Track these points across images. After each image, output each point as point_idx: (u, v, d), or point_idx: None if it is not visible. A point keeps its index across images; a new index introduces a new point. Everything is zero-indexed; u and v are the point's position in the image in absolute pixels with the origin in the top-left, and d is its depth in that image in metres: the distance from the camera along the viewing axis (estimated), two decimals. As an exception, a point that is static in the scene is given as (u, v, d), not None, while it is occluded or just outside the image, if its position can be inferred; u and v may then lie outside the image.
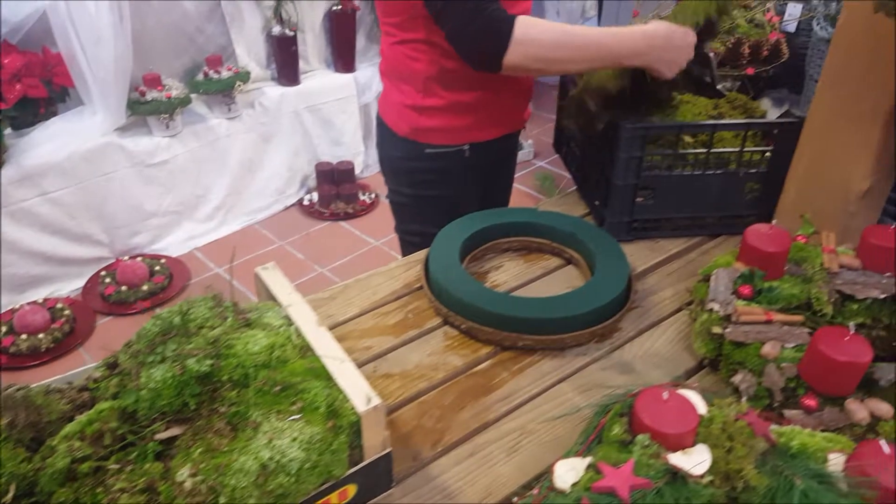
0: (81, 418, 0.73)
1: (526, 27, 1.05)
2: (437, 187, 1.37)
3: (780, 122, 1.13)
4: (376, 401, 0.70)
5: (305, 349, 0.79)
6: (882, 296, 0.91)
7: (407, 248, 1.46)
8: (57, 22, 2.44)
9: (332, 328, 1.02)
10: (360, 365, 0.95)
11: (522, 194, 3.23)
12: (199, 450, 0.70)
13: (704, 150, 1.12)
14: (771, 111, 1.84)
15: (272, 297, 0.89)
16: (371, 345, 0.98)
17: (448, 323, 1.01)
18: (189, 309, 0.82)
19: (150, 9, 2.62)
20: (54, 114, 2.62)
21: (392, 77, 1.31)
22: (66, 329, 2.37)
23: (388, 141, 1.36)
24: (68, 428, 0.71)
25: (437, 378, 0.92)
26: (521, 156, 3.53)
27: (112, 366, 0.81)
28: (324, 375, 0.75)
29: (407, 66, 1.25)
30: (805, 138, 1.10)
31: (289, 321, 0.83)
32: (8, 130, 2.48)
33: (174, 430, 0.73)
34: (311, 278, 2.67)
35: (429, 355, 0.96)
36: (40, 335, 2.29)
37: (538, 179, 3.26)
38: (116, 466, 0.69)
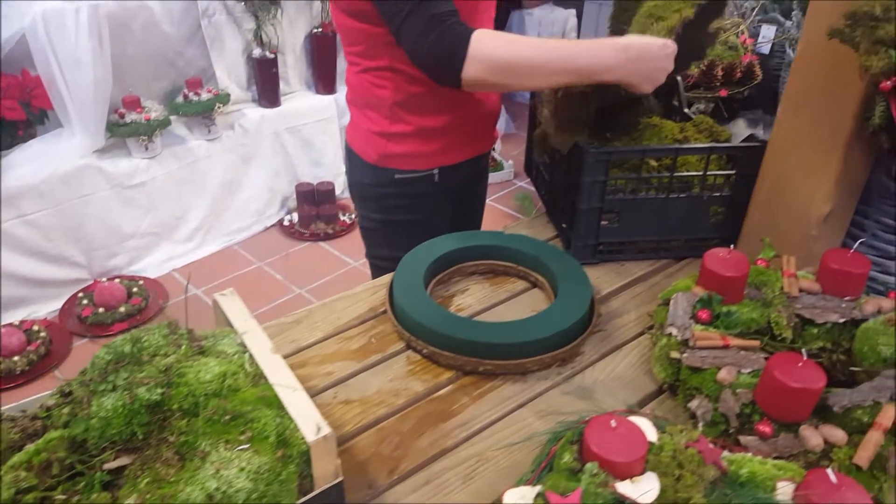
0: (30, 448, 0.72)
1: (482, 41, 1.02)
2: (407, 212, 1.37)
3: (743, 146, 1.14)
4: (326, 430, 0.70)
5: (259, 377, 0.78)
6: (841, 320, 0.92)
7: (377, 273, 1.46)
8: (36, 46, 2.44)
9: (295, 353, 1.02)
10: (320, 391, 0.94)
11: (502, 214, 3.24)
12: (147, 480, 0.69)
13: (668, 174, 1.13)
14: (745, 132, 1.86)
15: (229, 324, 0.88)
16: (333, 370, 0.98)
17: (410, 347, 1.01)
18: (142, 337, 0.81)
19: (131, 33, 2.63)
20: (33, 136, 2.62)
21: (359, 105, 1.31)
22: (42, 351, 2.35)
23: (357, 168, 1.36)
24: (16, 458, 0.70)
25: (397, 404, 0.92)
26: (501, 176, 3.55)
27: (66, 394, 0.80)
28: (275, 404, 0.75)
29: (373, 93, 1.26)
30: (767, 162, 1.11)
31: (244, 348, 0.82)
32: (-15, 152, 2.47)
33: (123, 460, 0.73)
34: (288, 299, 2.66)
35: (390, 380, 0.96)
36: (15, 358, 2.27)
37: (517, 199, 3.27)
38: (63, 497, 0.68)
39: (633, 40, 1.04)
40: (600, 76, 1.04)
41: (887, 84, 0.83)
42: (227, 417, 0.72)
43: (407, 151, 1.30)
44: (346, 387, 0.95)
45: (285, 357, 0.99)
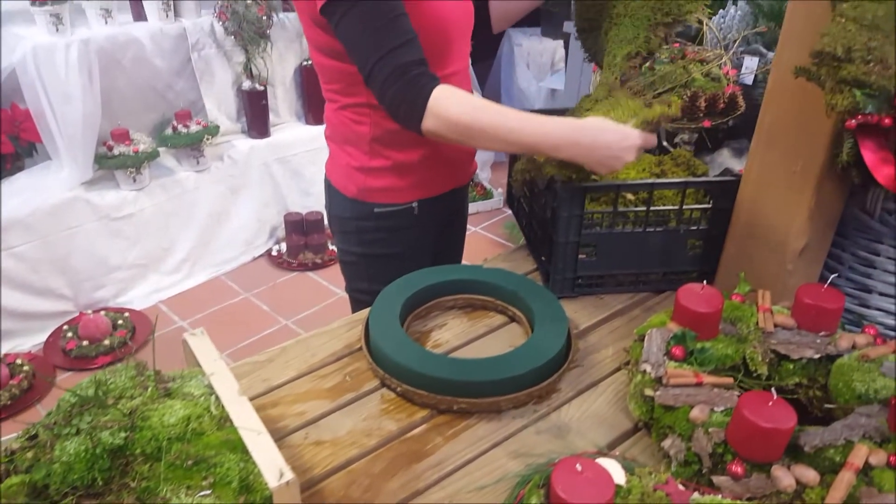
0: (-12, 494, 0.71)
1: (440, 100, 1.04)
2: (387, 246, 1.37)
3: (718, 180, 1.14)
4: (289, 475, 0.69)
5: (224, 420, 0.77)
6: (816, 356, 0.91)
7: (358, 307, 1.45)
8: (26, 81, 2.46)
9: (267, 392, 1.00)
10: (291, 431, 0.93)
11: (490, 242, 3.24)
12: (106, 528, 0.68)
13: (644, 209, 1.13)
14: (730, 162, 1.86)
15: (197, 365, 0.87)
16: (305, 410, 0.96)
17: (385, 385, 1.00)
18: (108, 379, 0.80)
19: (121, 67, 2.64)
20: (21, 169, 2.62)
21: (338, 141, 1.32)
22: (25, 385, 2.32)
23: (337, 202, 1.36)
24: (-27, 506, 0.69)
25: (369, 445, 0.90)
26: (490, 204, 3.56)
27: (31, 437, 0.79)
28: (240, 448, 0.74)
29: (352, 129, 1.26)
30: (741, 196, 1.11)
31: (211, 390, 0.81)
32: (-28, 185, 2.47)
33: (83, 507, 0.71)
34: (274, 331, 2.65)
35: (363, 420, 0.95)
36: (-2, 392, 2.24)
37: (506, 228, 3.27)
38: (21, 546, 0.67)
39: (589, 124, 1.05)
40: (549, 153, 1.07)
41: (852, 122, 0.83)
42: (190, 462, 0.71)
43: (386, 185, 1.30)
44: (318, 427, 0.94)
45: (257, 397, 0.99)
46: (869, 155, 0.86)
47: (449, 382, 0.94)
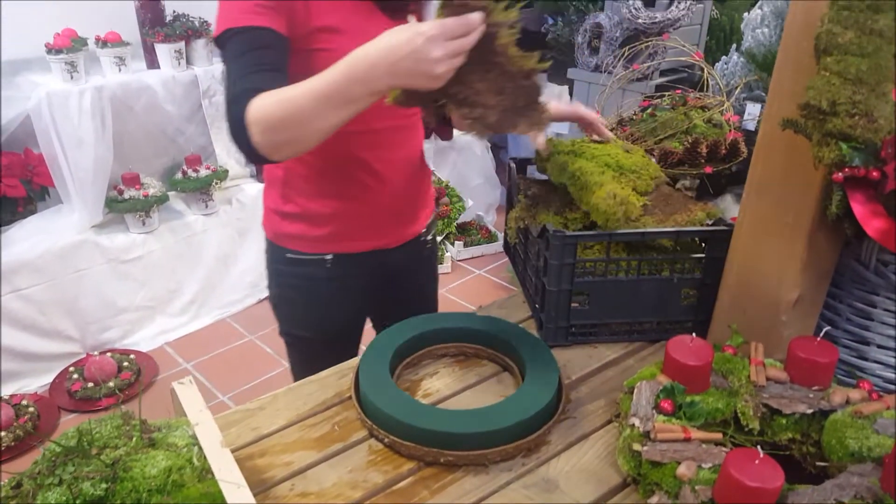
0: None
1: (253, 104, 0.97)
2: (303, 293, 1.37)
3: (711, 229, 1.14)
4: (264, 531, 0.68)
5: (206, 472, 0.77)
6: (809, 410, 0.90)
7: (289, 348, 1.47)
8: (40, 126, 2.52)
9: (255, 441, 1.00)
10: (277, 482, 0.92)
11: (494, 285, 3.24)
12: (80, 583, 0.67)
13: (637, 257, 1.13)
14: (733, 208, 1.86)
15: (183, 414, 0.87)
16: (292, 460, 0.96)
17: (373, 436, 0.99)
18: (93, 428, 0.81)
19: (133, 113, 2.71)
20: (32, 212, 2.67)
21: (265, 181, 1.36)
22: (29, 427, 2.33)
23: (265, 242, 1.39)
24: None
25: (354, 497, 0.89)
26: (495, 247, 3.57)
27: (16, 486, 0.79)
28: (220, 501, 0.73)
29: (271, 171, 1.30)
30: (734, 247, 1.10)
31: (195, 440, 0.81)
32: (-16, 228, 2.52)
33: (61, 561, 0.71)
34: (277, 374, 2.65)
35: (349, 472, 0.94)
36: (2, 433, 2.24)
37: (509, 271, 3.27)
38: None
39: (374, 41, 0.92)
40: (357, 90, 0.94)
41: (839, 176, 0.83)
42: (167, 516, 0.70)
43: (296, 233, 1.31)
44: (304, 478, 0.93)
45: (246, 446, 0.99)
46: (858, 207, 0.86)
47: (435, 434, 0.93)
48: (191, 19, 2.81)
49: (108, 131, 2.59)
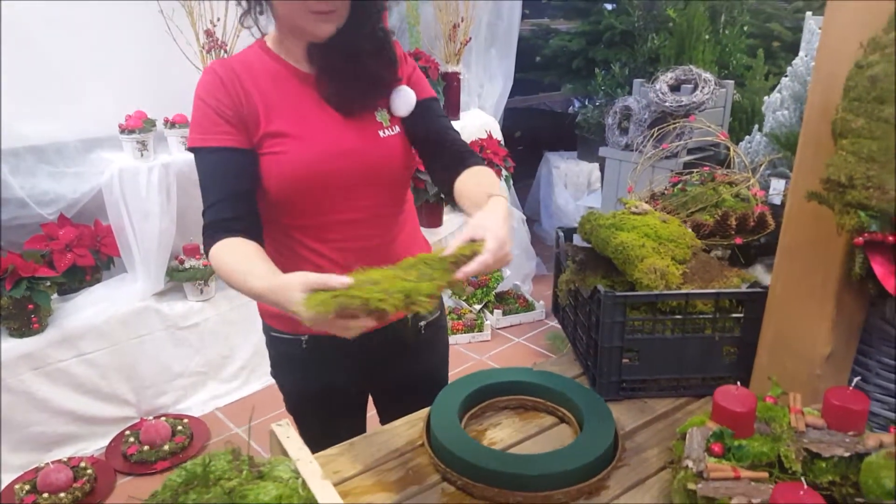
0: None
1: (214, 249, 1.15)
2: (286, 370, 1.44)
3: (747, 291, 1.25)
4: (370, 547, 0.78)
5: (310, 501, 0.88)
6: (846, 454, 0.99)
7: (296, 423, 1.49)
8: (111, 199, 2.72)
9: (338, 483, 1.10)
10: (362, 518, 1.02)
11: (533, 353, 3.33)
12: None
13: (680, 315, 1.24)
14: (763, 276, 1.96)
15: (284, 452, 0.98)
16: (373, 501, 1.06)
17: (446, 479, 1.09)
18: (210, 462, 0.92)
19: (195, 187, 2.88)
20: (98, 280, 2.84)
21: None
22: (87, 488, 2.42)
23: None
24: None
25: (432, 532, 0.99)
26: (533, 315, 3.67)
27: (138, 515, 0.90)
28: (325, 524, 0.84)
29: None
30: (770, 307, 1.21)
31: (297, 474, 0.92)
32: (54, 296, 2.68)
33: (189, 575, 0.81)
34: (327, 438, 2.72)
35: (426, 510, 1.03)
36: (62, 494, 2.34)
37: (548, 339, 3.37)
38: None
39: (278, 287, 1.02)
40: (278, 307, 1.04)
41: (860, 240, 0.95)
42: (284, 535, 0.81)
43: (274, 312, 1.36)
44: (386, 516, 1.03)
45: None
46: (878, 268, 0.97)
47: (505, 476, 1.03)
48: (249, 104, 3.03)
49: (172, 205, 2.78)
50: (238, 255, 1.14)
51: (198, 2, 2.82)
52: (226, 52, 2.92)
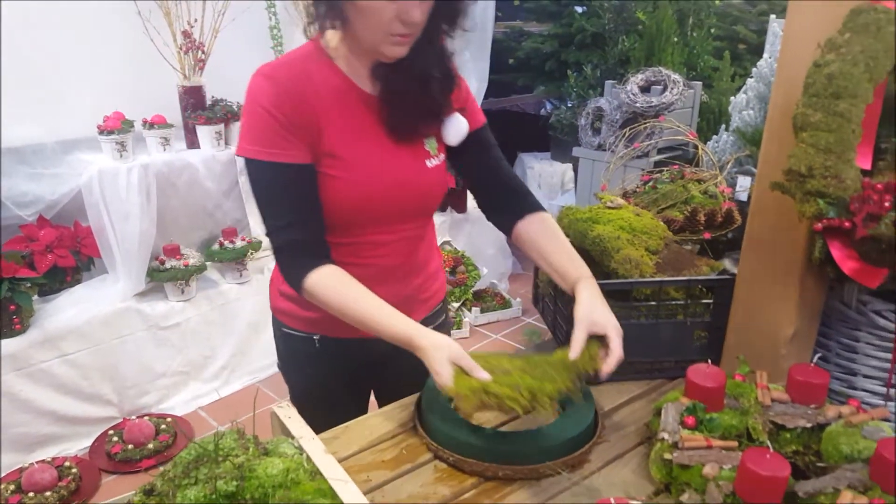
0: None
1: (313, 278, 1.16)
2: (296, 365, 1.46)
3: (717, 278, 1.34)
4: (375, 512, 0.84)
5: (315, 473, 0.93)
6: (808, 425, 1.07)
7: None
8: (90, 200, 2.73)
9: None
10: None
11: (511, 349, 3.40)
12: (225, 559, 0.82)
13: (654, 302, 1.32)
14: (732, 269, 2.05)
15: (286, 431, 1.04)
16: (370, 478, 1.11)
17: (438, 457, 1.15)
18: (219, 439, 0.97)
19: (175, 189, 2.93)
20: (79, 281, 2.85)
21: None
22: (73, 487, 2.43)
23: None
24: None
25: (427, 505, 1.05)
26: (510, 313, 3.75)
27: (148, 492, 0.95)
28: (330, 495, 0.89)
29: None
30: (737, 293, 1.30)
31: (300, 450, 0.98)
32: (35, 297, 2.69)
33: (203, 544, 0.86)
34: (311, 434, 2.76)
35: (420, 486, 1.09)
36: (47, 493, 2.35)
37: (526, 335, 3.45)
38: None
39: (424, 343, 1.09)
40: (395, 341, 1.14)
41: (819, 226, 1.03)
42: (292, 504, 0.86)
43: (289, 310, 1.38)
44: (382, 492, 1.09)
45: (329, 465, 1.14)
46: (836, 252, 1.06)
47: (494, 451, 1.09)
48: (229, 104, 3.06)
49: (152, 205, 2.80)
50: (354, 288, 1.17)
51: (175, 2, 2.85)
52: (203, 52, 2.95)
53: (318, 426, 1.26)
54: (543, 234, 1.30)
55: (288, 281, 1.22)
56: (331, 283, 1.17)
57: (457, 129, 1.28)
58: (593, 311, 1.14)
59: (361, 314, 1.16)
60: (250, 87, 1.16)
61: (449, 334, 1.59)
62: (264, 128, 1.14)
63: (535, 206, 1.35)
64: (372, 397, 1.61)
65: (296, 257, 1.19)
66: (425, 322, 1.47)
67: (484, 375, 1.04)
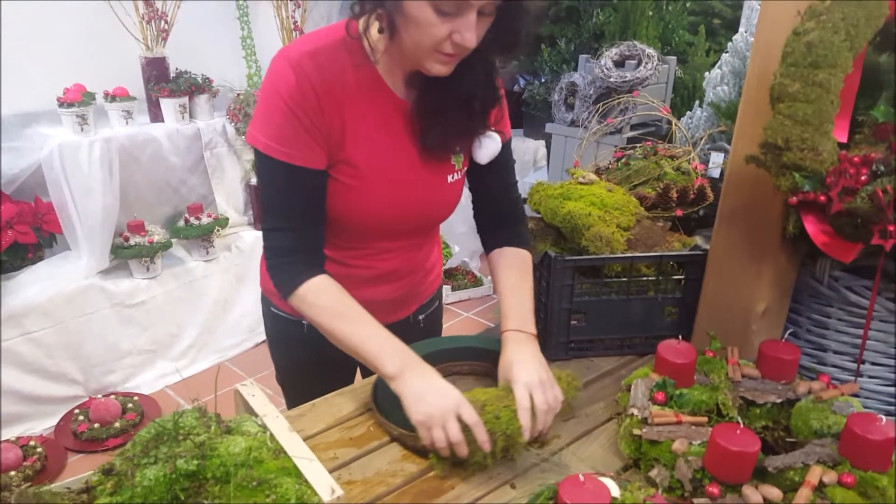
0: (78, 518, 0.83)
1: (304, 289, 1.12)
2: (284, 347, 1.44)
3: (688, 254, 1.33)
4: (339, 492, 0.82)
5: (278, 451, 0.91)
6: (778, 400, 1.07)
7: (284, 393, 1.54)
8: (51, 176, 2.65)
9: (303, 440, 1.13)
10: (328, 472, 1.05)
11: (483, 327, 3.40)
12: (183, 541, 0.80)
13: (625, 278, 1.30)
14: (703, 246, 2.05)
15: (249, 410, 1.01)
16: (337, 455, 1.09)
17: (400, 442, 1.12)
18: (178, 419, 0.94)
19: (139, 164, 2.85)
20: (41, 258, 2.77)
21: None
22: (38, 467, 2.38)
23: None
24: (66, 527, 0.81)
25: (394, 483, 1.03)
26: (481, 291, 3.74)
27: (107, 472, 0.92)
28: (294, 473, 0.87)
29: None
30: (709, 268, 1.29)
31: (264, 429, 0.95)
32: (-5, 274, 2.61)
33: (161, 526, 0.83)
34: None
35: (388, 463, 1.07)
36: (12, 473, 2.30)
37: (496, 313, 3.43)
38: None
39: (418, 378, 1.05)
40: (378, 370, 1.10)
41: (794, 200, 1.02)
42: (255, 483, 0.84)
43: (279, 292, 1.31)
44: (349, 469, 1.06)
45: (295, 443, 1.12)
46: (810, 227, 1.05)
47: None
48: (193, 76, 2.99)
49: (115, 181, 2.72)
50: (344, 312, 1.12)
51: (137, -29, 2.76)
52: (166, 22, 2.86)
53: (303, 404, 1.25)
54: (510, 271, 1.27)
55: (276, 285, 1.17)
56: (320, 301, 1.13)
57: (490, 149, 1.23)
58: (509, 369, 1.11)
59: (347, 342, 1.11)
60: (272, 70, 1.07)
61: (441, 318, 1.59)
62: (282, 124, 1.06)
63: (521, 242, 1.32)
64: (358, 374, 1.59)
65: (290, 263, 1.15)
66: (420, 310, 1.46)
67: (484, 438, 1.01)
